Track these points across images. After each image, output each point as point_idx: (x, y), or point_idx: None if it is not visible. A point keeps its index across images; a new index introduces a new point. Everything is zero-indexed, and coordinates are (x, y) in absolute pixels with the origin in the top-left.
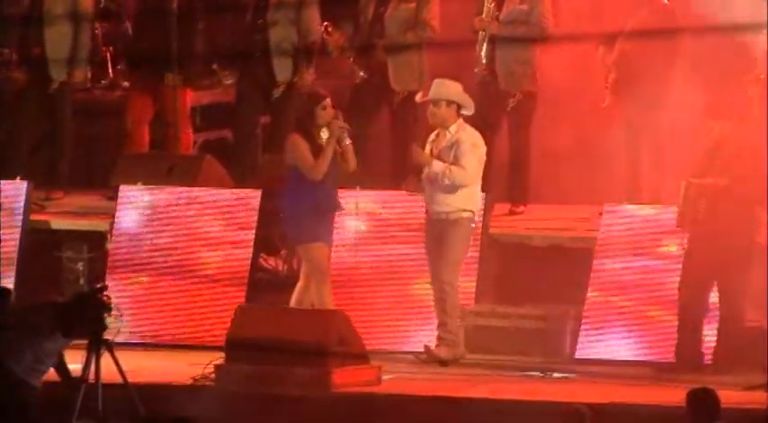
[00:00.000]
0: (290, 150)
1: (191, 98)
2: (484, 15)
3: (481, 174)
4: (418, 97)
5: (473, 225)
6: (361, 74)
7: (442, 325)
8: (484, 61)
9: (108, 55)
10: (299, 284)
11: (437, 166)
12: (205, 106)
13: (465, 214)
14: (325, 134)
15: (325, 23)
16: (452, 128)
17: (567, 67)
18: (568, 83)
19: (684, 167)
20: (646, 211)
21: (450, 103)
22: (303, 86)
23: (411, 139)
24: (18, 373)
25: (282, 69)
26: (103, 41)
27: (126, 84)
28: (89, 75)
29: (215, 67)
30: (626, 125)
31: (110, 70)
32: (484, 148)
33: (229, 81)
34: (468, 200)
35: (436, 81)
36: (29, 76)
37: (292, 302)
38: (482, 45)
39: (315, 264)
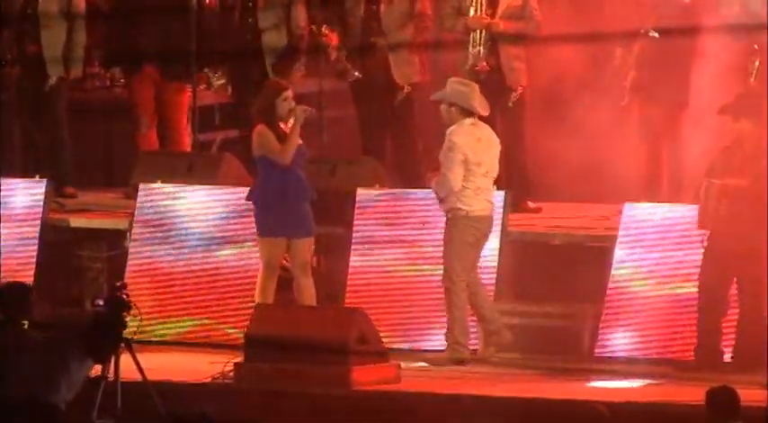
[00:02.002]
0: (257, 140)
1: (188, 97)
2: (480, 13)
3: (483, 171)
4: (432, 96)
5: (474, 223)
6: (356, 73)
7: (448, 326)
8: (482, 58)
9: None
10: (294, 282)
11: (433, 186)
12: (224, 105)
13: (457, 213)
14: (290, 121)
15: (324, 26)
16: (449, 129)
17: (586, 65)
18: (588, 80)
19: (704, 166)
20: (665, 209)
21: (451, 103)
22: (293, 84)
23: (414, 134)
24: (57, 404)
25: (276, 71)
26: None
27: (107, 82)
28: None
29: (205, 70)
30: (647, 124)
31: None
32: (467, 147)
33: (220, 82)
34: (459, 198)
35: (448, 81)
36: (24, 73)
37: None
38: (479, 43)
39: (262, 257)
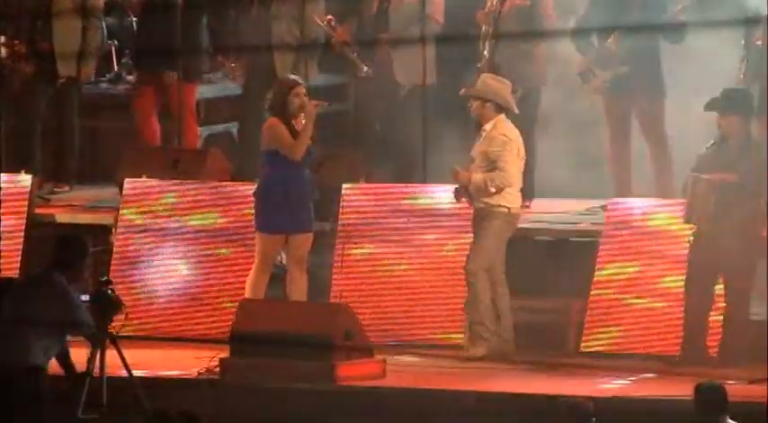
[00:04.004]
0: (269, 133)
1: (193, 92)
2: (486, 10)
3: (522, 167)
4: (466, 92)
5: (512, 221)
6: (366, 68)
7: (470, 321)
8: (486, 56)
9: (112, 49)
10: (288, 275)
11: (477, 179)
12: (209, 100)
13: (498, 210)
14: (302, 118)
15: (329, 17)
16: (488, 125)
17: (567, 62)
18: (572, 76)
19: (690, 161)
20: (651, 204)
21: (486, 100)
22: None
23: (414, 133)
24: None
25: (283, 65)
26: (108, 35)
27: (130, 77)
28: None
29: (220, 58)
30: (622, 119)
31: (114, 64)
32: (517, 142)
33: (236, 73)
34: (500, 197)
35: (481, 76)
36: (36, 69)
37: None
38: (485, 40)
39: (257, 251)
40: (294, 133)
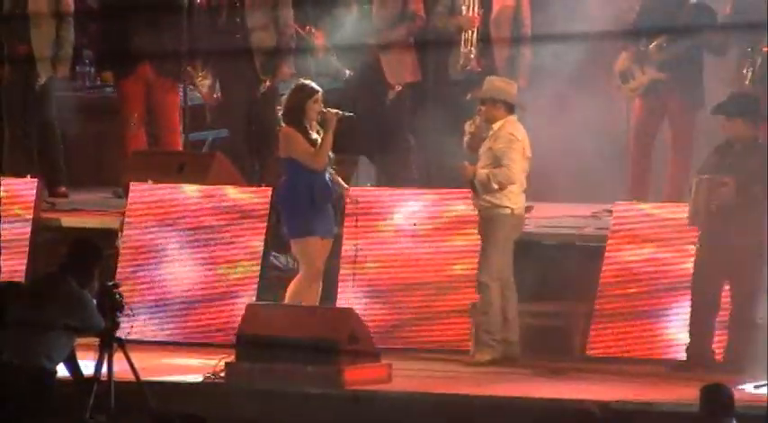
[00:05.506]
0: (286, 143)
1: (180, 96)
2: (471, 13)
3: (527, 167)
4: (469, 95)
5: (517, 223)
6: (347, 72)
7: (478, 328)
8: (474, 59)
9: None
10: (296, 277)
11: (481, 175)
12: (214, 105)
13: (502, 211)
14: (320, 125)
15: (308, 26)
16: (496, 125)
17: (580, 64)
18: (580, 77)
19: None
20: (656, 208)
21: (495, 101)
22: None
23: (407, 131)
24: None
25: (261, 68)
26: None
27: (98, 82)
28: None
29: (189, 68)
30: (650, 123)
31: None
32: (524, 142)
33: (206, 81)
34: (503, 196)
35: (486, 79)
36: (13, 73)
37: (287, 295)
38: (470, 43)
39: (307, 258)
40: (311, 141)
